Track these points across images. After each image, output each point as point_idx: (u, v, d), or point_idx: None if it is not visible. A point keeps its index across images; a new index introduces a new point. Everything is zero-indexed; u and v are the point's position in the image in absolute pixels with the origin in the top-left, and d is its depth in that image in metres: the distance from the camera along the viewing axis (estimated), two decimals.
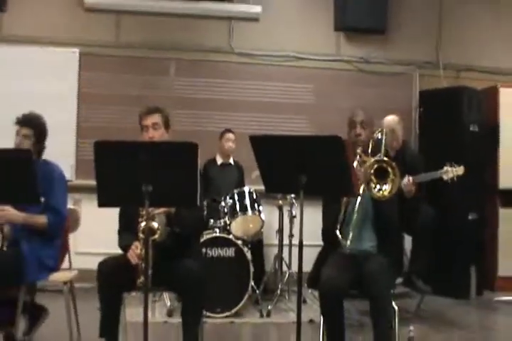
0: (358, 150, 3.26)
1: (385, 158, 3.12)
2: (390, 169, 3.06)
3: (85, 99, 5.71)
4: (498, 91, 5.85)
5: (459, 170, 4.00)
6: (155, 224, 2.90)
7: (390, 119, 4.78)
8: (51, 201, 3.52)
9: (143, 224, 2.84)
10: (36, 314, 3.85)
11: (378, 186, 3.07)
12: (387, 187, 3.06)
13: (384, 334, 3.00)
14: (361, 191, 3.11)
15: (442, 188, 4.38)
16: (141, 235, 2.89)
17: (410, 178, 3.90)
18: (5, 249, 3.39)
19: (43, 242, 3.54)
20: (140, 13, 5.83)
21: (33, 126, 3.62)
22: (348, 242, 3.11)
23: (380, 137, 3.29)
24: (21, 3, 5.68)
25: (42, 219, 3.51)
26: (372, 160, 3.12)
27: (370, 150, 3.27)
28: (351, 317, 4.37)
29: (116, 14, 5.83)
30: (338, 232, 3.12)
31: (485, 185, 5.69)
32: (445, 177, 4.01)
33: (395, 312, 3.11)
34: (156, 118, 3.31)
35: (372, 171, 3.07)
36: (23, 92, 5.42)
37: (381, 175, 3.07)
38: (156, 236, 2.90)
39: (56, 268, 3.67)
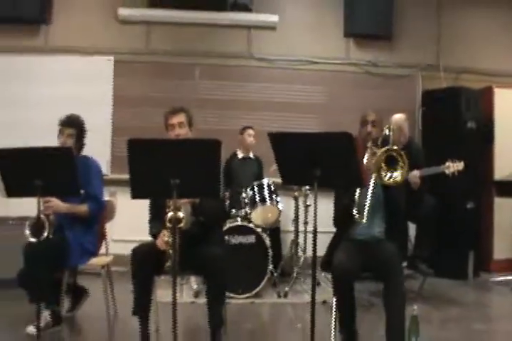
0: (368, 144, 3.21)
1: (395, 147, 3.03)
2: (399, 157, 2.98)
3: (119, 101, 5.71)
4: (493, 92, 5.78)
5: (460, 165, 4.02)
6: (181, 214, 2.85)
7: (398, 117, 4.71)
8: (90, 190, 3.55)
9: (170, 214, 2.80)
10: (78, 294, 3.90)
11: (389, 173, 2.99)
12: (397, 174, 2.98)
13: (397, 315, 2.90)
14: (373, 179, 3.05)
15: (443, 179, 4.30)
16: (168, 224, 2.85)
17: (417, 172, 3.83)
18: (51, 236, 3.38)
19: (84, 229, 3.59)
20: (168, 24, 5.80)
21: (75, 125, 3.66)
22: (365, 219, 3.03)
23: (388, 133, 3.21)
24: (63, 17, 5.69)
25: (83, 208, 3.55)
26: (383, 149, 3.03)
27: (379, 144, 3.20)
28: (362, 297, 4.29)
29: (146, 25, 5.82)
30: (355, 211, 3.04)
31: (481, 176, 5.60)
32: (447, 171, 4.03)
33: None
34: (181, 117, 3.26)
35: (383, 158, 2.98)
36: (65, 96, 5.43)
37: (391, 163, 2.99)
38: (182, 224, 2.84)
39: (96, 252, 3.69)
